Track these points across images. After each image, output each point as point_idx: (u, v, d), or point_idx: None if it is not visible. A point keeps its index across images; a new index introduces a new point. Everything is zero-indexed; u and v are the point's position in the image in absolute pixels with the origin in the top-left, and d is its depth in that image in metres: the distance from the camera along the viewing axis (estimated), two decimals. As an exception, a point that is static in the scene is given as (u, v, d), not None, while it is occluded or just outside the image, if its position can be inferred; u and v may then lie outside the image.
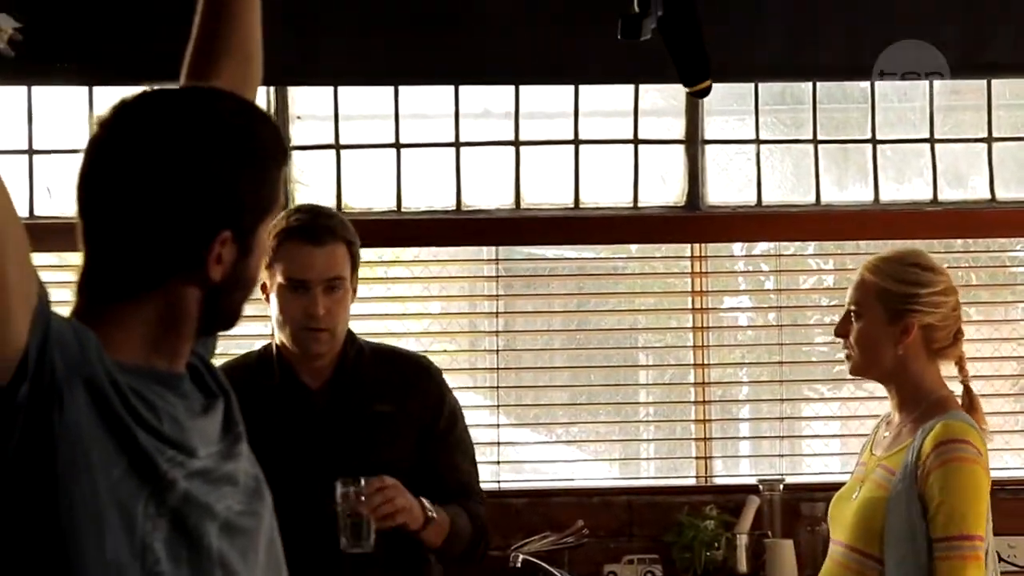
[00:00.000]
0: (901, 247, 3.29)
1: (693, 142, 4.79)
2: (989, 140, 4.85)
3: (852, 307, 3.09)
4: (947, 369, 3.11)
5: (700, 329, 4.84)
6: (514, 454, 4.83)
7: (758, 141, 4.82)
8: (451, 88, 4.74)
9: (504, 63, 4.65)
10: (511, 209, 4.77)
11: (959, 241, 4.94)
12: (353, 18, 4.55)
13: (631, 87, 4.78)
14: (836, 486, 3.23)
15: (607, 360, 4.89)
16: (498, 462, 4.75)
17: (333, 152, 4.75)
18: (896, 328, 3.03)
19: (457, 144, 4.76)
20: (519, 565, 4.25)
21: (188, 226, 1.77)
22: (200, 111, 1.82)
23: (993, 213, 4.82)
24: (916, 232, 4.73)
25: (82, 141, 1.84)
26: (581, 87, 4.77)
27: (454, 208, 4.76)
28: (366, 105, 4.79)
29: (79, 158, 1.81)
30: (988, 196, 4.85)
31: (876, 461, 3.07)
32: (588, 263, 4.95)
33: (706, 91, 2.77)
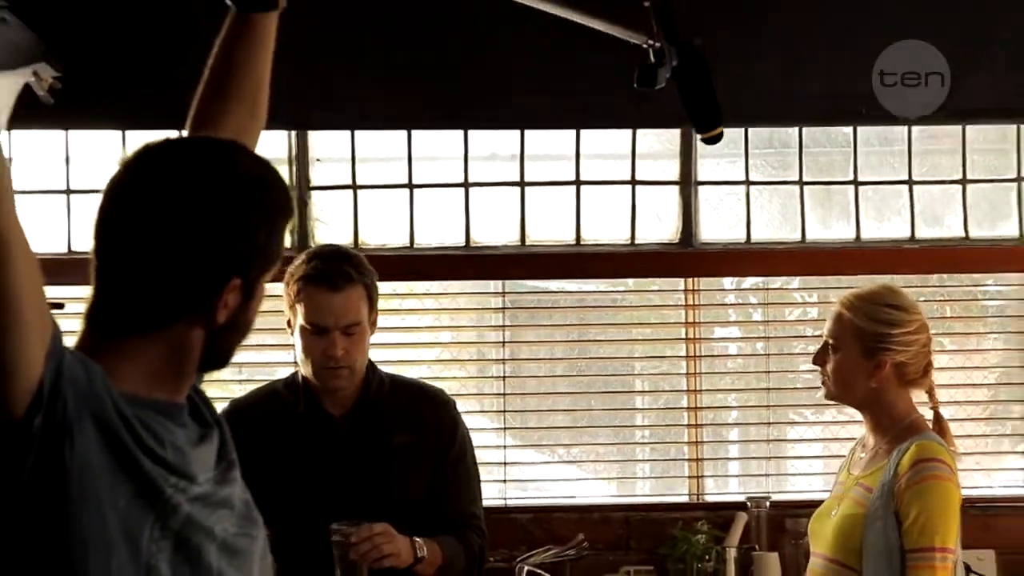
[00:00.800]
0: (878, 285, 3.25)
1: (687, 183, 4.84)
2: (964, 182, 4.90)
3: (830, 340, 3.11)
4: (918, 396, 3.15)
5: (693, 357, 4.87)
6: (519, 473, 4.85)
7: (748, 182, 4.87)
8: (460, 132, 4.80)
9: (510, 109, 4.69)
10: (517, 245, 4.81)
11: (935, 276, 4.96)
12: (369, 68, 4.60)
13: (629, 132, 4.82)
14: (819, 503, 3.25)
15: (606, 386, 4.91)
16: (504, 480, 4.80)
17: (350, 192, 4.80)
18: (870, 363, 3.06)
19: (466, 185, 4.81)
20: (524, 576, 4.34)
21: (204, 272, 1.78)
22: (220, 162, 1.82)
23: (967, 251, 4.87)
24: (895, 268, 4.75)
25: (113, 182, 1.81)
26: (582, 131, 4.81)
27: (463, 244, 4.81)
28: (381, 148, 4.81)
29: (99, 197, 1.82)
30: (962, 234, 4.89)
31: (854, 480, 3.11)
32: (588, 296, 4.94)
33: (718, 137, 2.80)
